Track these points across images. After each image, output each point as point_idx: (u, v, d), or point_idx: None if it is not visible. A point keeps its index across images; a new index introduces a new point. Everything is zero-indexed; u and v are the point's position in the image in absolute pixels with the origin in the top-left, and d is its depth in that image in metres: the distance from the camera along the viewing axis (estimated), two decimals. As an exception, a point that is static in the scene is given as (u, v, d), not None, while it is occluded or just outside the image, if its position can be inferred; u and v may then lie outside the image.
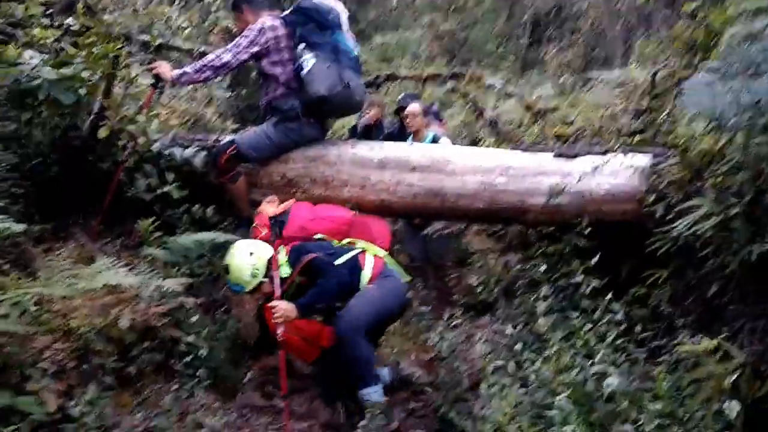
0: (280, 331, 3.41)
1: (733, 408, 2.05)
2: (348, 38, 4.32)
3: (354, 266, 3.70)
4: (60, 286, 2.86)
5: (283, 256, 3.62)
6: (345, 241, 3.93)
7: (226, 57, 4.16)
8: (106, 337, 3.09)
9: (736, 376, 2.10)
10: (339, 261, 3.66)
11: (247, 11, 4.33)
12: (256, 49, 4.19)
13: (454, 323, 4.91)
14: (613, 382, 2.27)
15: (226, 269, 3.60)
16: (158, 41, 5.39)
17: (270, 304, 3.50)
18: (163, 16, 6.29)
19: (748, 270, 2.58)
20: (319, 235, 3.86)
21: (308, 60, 4.11)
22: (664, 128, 3.91)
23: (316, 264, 3.57)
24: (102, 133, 3.71)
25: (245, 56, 4.19)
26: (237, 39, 4.25)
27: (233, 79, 6.85)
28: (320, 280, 3.52)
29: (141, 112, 4.03)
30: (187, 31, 6.65)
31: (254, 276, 3.58)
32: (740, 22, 2.93)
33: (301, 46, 4.16)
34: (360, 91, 4.38)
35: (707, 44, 4.20)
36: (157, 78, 4.10)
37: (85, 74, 3.66)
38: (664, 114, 4.03)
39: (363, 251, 3.83)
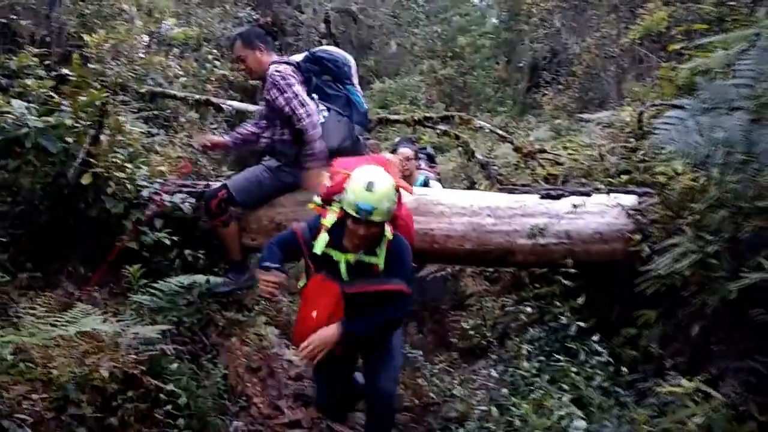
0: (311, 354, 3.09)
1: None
2: (358, 91, 4.36)
3: None
4: (38, 334, 2.84)
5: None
6: None
7: (311, 123, 4.06)
8: (87, 386, 3.05)
9: (709, 416, 2.04)
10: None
11: (258, 50, 4.20)
12: (303, 94, 4.11)
13: (449, 367, 4.89)
14: (581, 425, 2.22)
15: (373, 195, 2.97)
16: (144, 89, 5.46)
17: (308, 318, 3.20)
18: (160, 65, 6.39)
19: (730, 308, 2.54)
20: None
21: (322, 113, 4.14)
22: (642, 167, 3.91)
23: (406, 272, 3.17)
24: (84, 180, 3.73)
25: (309, 104, 4.10)
26: (283, 104, 4.08)
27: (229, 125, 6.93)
28: (398, 303, 3.11)
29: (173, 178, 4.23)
30: (183, 80, 6.75)
31: (393, 203, 3.06)
32: (711, 59, 2.95)
33: (315, 97, 4.17)
34: (364, 144, 4.42)
35: (692, 83, 4.23)
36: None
37: (70, 122, 3.71)
38: (641, 153, 4.04)
39: None
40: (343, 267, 3.09)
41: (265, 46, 4.25)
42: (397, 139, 6.62)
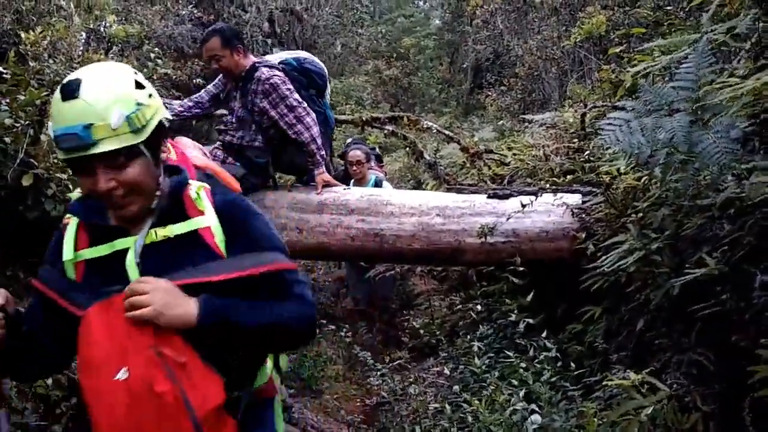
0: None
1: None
2: (328, 104, 4.31)
3: None
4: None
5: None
6: None
7: (310, 122, 4.00)
8: (29, 394, 2.95)
9: (655, 408, 2.11)
10: None
11: (236, 52, 4.01)
12: (304, 103, 4.02)
13: (399, 367, 4.91)
14: (537, 419, 2.27)
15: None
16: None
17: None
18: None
19: (673, 303, 2.64)
20: None
21: None
22: (587, 167, 4.02)
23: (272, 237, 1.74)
24: (25, 181, 3.59)
25: (311, 113, 4.04)
26: (283, 110, 3.99)
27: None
28: (292, 289, 1.68)
29: None
30: (123, 79, 6.56)
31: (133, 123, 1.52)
32: (651, 61, 3.05)
33: None
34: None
35: (634, 85, 4.37)
36: None
37: (9, 122, 3.56)
38: (585, 153, 4.15)
39: None
40: (131, 264, 1.58)
41: (243, 47, 4.09)
42: (348, 140, 6.61)
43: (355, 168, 5.65)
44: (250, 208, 1.75)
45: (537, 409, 2.45)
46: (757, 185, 2.28)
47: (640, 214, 2.95)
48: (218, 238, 1.64)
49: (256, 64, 4.04)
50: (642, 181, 3.16)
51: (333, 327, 5.48)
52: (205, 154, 2.41)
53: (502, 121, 10.30)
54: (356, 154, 5.70)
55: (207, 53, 4.03)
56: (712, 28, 2.60)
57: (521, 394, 2.65)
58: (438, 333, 4.34)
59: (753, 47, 2.59)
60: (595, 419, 2.35)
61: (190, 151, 1.82)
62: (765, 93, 2.35)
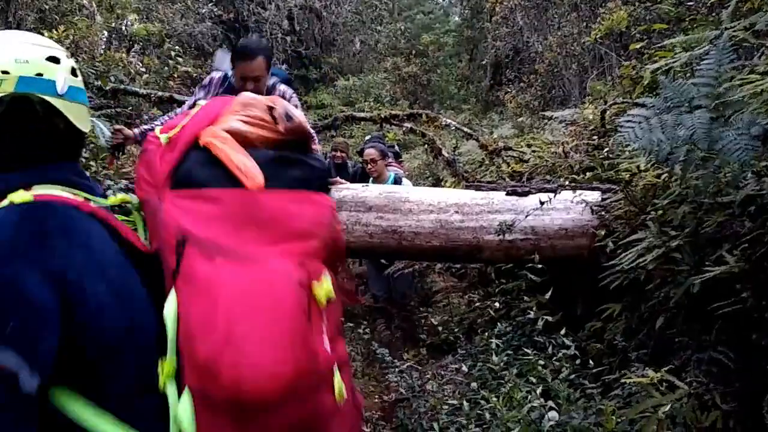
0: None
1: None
2: None
3: None
4: None
5: None
6: None
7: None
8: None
9: (673, 406, 2.11)
10: None
11: (268, 72, 3.74)
12: None
13: (417, 363, 4.92)
14: (554, 416, 2.27)
15: None
16: (109, 86, 5.36)
17: None
18: (121, 62, 6.29)
19: (693, 301, 2.62)
20: None
21: None
22: (606, 164, 4.00)
23: None
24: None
25: None
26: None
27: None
28: None
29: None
30: (145, 77, 6.65)
31: None
32: (675, 59, 3.03)
33: None
34: None
35: (654, 82, 4.33)
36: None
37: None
38: (605, 150, 4.13)
39: None
40: None
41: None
42: (367, 137, 6.62)
43: (369, 166, 5.67)
44: None
45: (554, 406, 2.44)
46: (778, 182, 2.26)
47: (660, 212, 2.93)
48: None
49: (281, 81, 4.02)
50: (662, 178, 3.13)
51: (351, 324, 5.50)
52: None
53: (521, 118, 10.24)
54: (370, 152, 5.70)
55: (251, 72, 3.59)
56: (731, 25, 2.57)
57: (538, 391, 2.64)
58: (456, 330, 4.34)
59: (775, 43, 2.57)
60: (614, 417, 2.34)
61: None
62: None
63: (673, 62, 2.94)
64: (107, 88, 5.25)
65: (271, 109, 1.63)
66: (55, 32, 5.74)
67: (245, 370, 1.27)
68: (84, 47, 6.07)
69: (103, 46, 6.44)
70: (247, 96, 1.70)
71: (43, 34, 4.81)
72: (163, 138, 1.58)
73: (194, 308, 1.33)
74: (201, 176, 1.49)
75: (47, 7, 6.66)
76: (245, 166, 1.49)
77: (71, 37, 5.91)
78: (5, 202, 1.27)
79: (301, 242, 1.49)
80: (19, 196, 1.27)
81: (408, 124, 5.79)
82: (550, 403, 2.44)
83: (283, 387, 1.30)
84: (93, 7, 7.05)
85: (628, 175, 3.35)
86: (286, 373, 1.31)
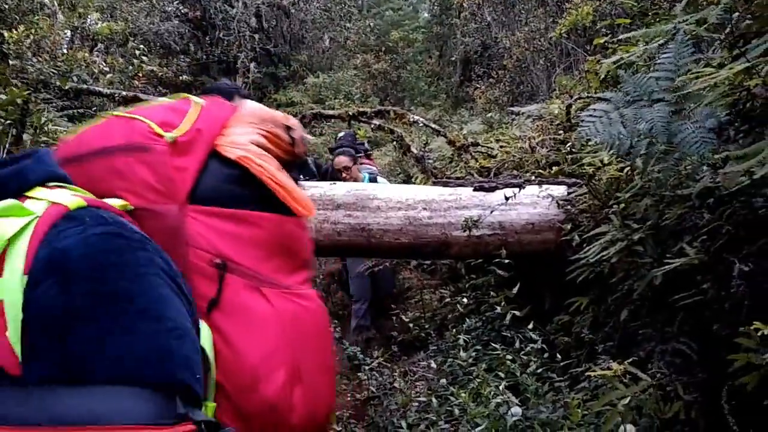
0: None
1: (629, 432, 2.09)
2: None
3: None
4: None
5: None
6: None
7: None
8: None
9: (637, 397, 2.13)
10: None
11: None
12: None
13: (390, 361, 4.92)
14: (517, 412, 2.28)
15: None
16: (68, 85, 5.26)
17: None
18: (84, 61, 6.17)
19: (656, 293, 2.65)
20: None
21: None
22: (570, 158, 4.03)
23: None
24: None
25: None
26: None
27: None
28: None
29: None
30: (109, 77, 6.53)
31: None
32: (633, 52, 3.06)
33: None
34: None
35: (613, 76, 4.37)
36: None
37: (-10, 122, 3.55)
38: (569, 145, 4.16)
39: None
40: None
41: None
42: (340, 134, 6.42)
43: (344, 174, 5.54)
44: (124, 265, 1.06)
45: (519, 401, 2.45)
46: (731, 174, 2.29)
47: (623, 205, 2.96)
48: (11, 328, 0.91)
49: None
50: (624, 171, 3.17)
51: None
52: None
53: (490, 114, 10.29)
54: (340, 160, 5.56)
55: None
56: (684, 19, 2.60)
57: (502, 386, 2.65)
58: (428, 326, 4.35)
59: (727, 37, 2.59)
60: (579, 410, 2.36)
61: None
62: (739, 82, 2.35)
63: (629, 56, 2.96)
64: (66, 87, 5.15)
65: (288, 129, 1.57)
66: (15, 32, 5.61)
67: (318, 404, 1.29)
68: (46, 47, 5.94)
69: (66, 46, 6.31)
70: (260, 108, 1.61)
71: (2, 34, 4.71)
72: (168, 137, 1.35)
73: (251, 345, 1.25)
74: (233, 194, 1.36)
75: (7, 6, 6.52)
76: (297, 192, 1.42)
77: (32, 37, 5.78)
78: (43, 206, 1.03)
79: (307, 271, 1.46)
80: (71, 202, 1.07)
81: (376, 121, 5.77)
82: (513, 397, 2.45)
83: (331, 413, 1.35)
84: (54, 6, 6.93)
85: (591, 169, 3.38)
86: (334, 398, 1.37)
